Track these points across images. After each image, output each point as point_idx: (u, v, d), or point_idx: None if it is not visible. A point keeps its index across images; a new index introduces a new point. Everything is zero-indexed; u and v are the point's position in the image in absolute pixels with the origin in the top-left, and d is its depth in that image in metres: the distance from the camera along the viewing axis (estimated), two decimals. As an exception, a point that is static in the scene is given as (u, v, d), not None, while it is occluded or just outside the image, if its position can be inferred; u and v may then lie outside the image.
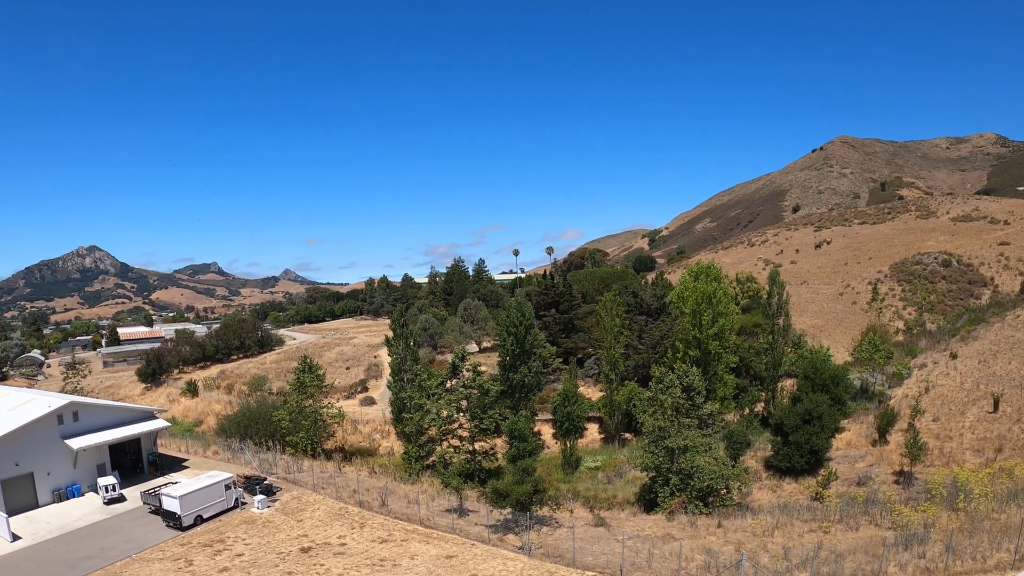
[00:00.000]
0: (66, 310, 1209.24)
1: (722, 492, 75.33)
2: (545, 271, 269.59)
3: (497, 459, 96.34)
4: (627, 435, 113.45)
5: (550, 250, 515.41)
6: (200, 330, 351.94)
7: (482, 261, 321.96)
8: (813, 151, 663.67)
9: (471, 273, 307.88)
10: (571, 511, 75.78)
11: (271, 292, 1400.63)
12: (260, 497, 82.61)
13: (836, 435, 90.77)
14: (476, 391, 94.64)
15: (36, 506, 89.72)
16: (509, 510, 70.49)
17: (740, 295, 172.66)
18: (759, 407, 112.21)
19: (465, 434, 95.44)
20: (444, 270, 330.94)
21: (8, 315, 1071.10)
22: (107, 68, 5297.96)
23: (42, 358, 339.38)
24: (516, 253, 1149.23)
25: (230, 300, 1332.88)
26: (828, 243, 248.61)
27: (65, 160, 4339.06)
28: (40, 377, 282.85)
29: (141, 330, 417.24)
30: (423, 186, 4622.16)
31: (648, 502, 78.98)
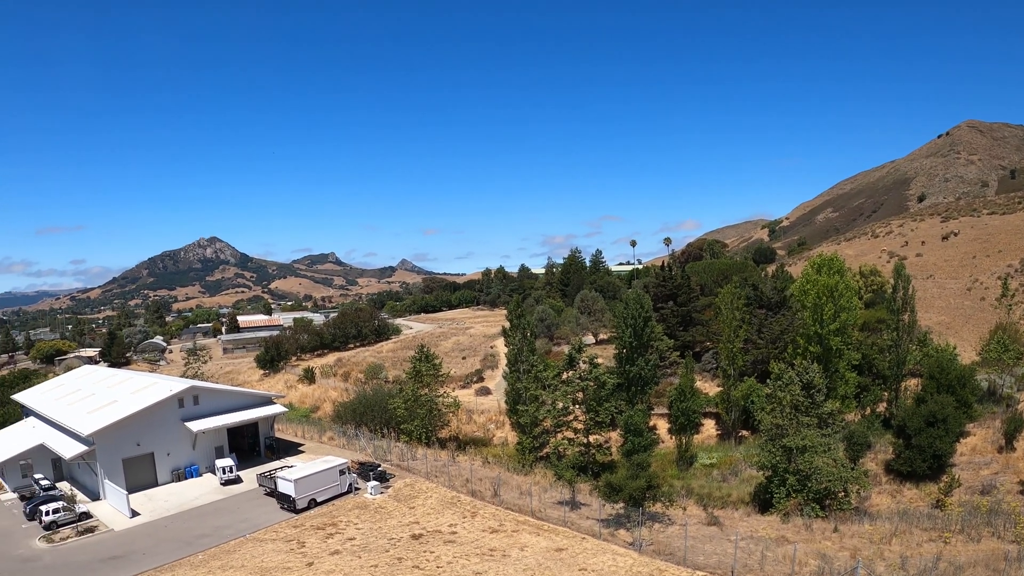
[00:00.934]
0: (187, 299, 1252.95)
1: (840, 495, 72.95)
2: (663, 262, 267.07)
3: (611, 453, 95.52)
4: (744, 432, 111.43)
5: (668, 241, 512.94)
6: (318, 319, 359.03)
7: (599, 252, 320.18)
8: (939, 137, 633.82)
9: (588, 264, 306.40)
10: (684, 508, 74.53)
11: (388, 282, 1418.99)
12: (373, 483, 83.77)
13: (960, 439, 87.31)
14: (592, 383, 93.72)
15: (155, 485, 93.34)
16: (621, 505, 69.82)
17: (863, 289, 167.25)
18: (881, 407, 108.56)
19: (580, 426, 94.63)
20: (561, 261, 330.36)
21: (132, 303, 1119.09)
22: (227, 69, 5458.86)
23: (164, 344, 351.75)
24: (633, 244, 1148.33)
25: (347, 289, 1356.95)
26: (955, 235, 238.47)
27: (188, 156, 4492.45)
28: (162, 362, 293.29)
29: (260, 318, 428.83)
30: (540, 176, 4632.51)
31: (763, 502, 77.12)
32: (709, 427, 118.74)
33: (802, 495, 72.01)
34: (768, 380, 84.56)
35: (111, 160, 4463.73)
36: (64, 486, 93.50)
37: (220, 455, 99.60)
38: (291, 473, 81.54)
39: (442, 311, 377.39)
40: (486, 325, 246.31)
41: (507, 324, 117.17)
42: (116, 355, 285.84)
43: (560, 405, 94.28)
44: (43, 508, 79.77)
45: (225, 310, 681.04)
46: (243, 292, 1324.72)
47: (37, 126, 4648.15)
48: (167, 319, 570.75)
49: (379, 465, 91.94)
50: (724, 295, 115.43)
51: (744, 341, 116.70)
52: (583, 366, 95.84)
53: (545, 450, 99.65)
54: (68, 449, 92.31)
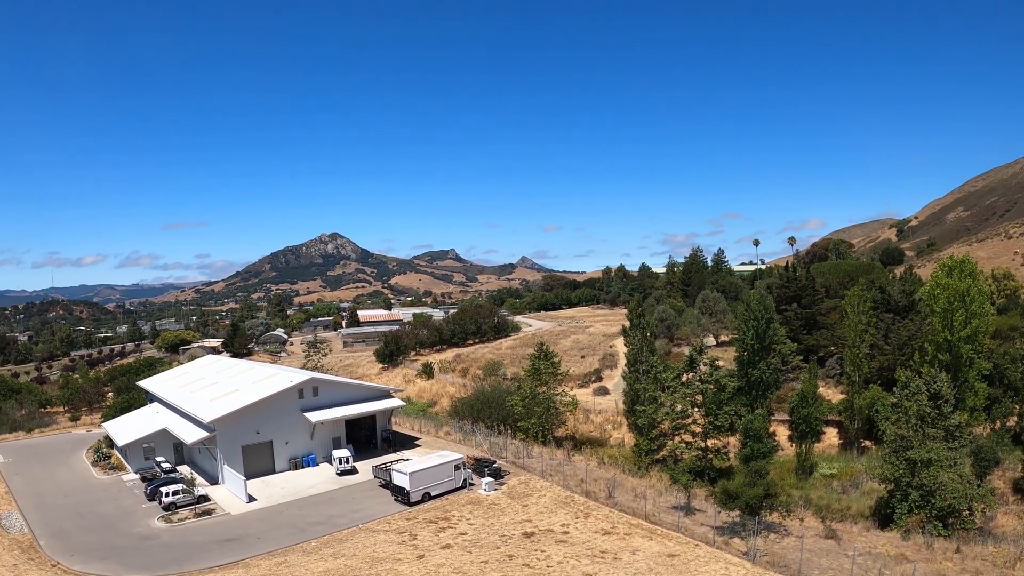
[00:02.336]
0: (308, 293, 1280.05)
1: (964, 513, 69.89)
2: (786, 263, 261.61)
3: (729, 458, 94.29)
4: (866, 443, 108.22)
5: (792, 240, 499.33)
6: (437, 314, 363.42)
7: (721, 251, 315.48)
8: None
9: (709, 263, 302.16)
10: (801, 519, 72.96)
11: (507, 279, 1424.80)
12: (488, 479, 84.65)
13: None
14: (712, 386, 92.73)
15: (272, 472, 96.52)
16: (737, 513, 69.04)
17: (996, 294, 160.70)
18: (1011, 421, 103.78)
19: (698, 430, 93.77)
20: (682, 260, 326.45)
21: (255, 296, 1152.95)
22: (355, 73, 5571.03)
23: (285, 336, 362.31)
24: (756, 243, 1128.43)
25: (467, 286, 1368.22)
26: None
27: (311, 153, 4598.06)
28: (283, 354, 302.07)
29: (380, 313, 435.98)
30: (662, 174, 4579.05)
31: (883, 517, 74.83)
32: (831, 435, 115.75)
33: (924, 511, 69.59)
34: (894, 388, 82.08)
35: (236, 158, 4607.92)
36: (184, 469, 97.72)
37: (337, 446, 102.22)
38: (406, 466, 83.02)
39: (561, 309, 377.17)
40: (606, 324, 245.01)
41: (627, 323, 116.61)
42: (238, 346, 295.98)
43: (679, 407, 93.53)
44: (163, 489, 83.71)
45: (345, 304, 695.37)
46: (363, 287, 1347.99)
47: (165, 127, 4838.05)
48: (288, 312, 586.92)
49: (494, 462, 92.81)
50: (850, 298, 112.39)
51: (870, 346, 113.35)
52: (704, 368, 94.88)
53: (662, 453, 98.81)
54: (189, 434, 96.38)
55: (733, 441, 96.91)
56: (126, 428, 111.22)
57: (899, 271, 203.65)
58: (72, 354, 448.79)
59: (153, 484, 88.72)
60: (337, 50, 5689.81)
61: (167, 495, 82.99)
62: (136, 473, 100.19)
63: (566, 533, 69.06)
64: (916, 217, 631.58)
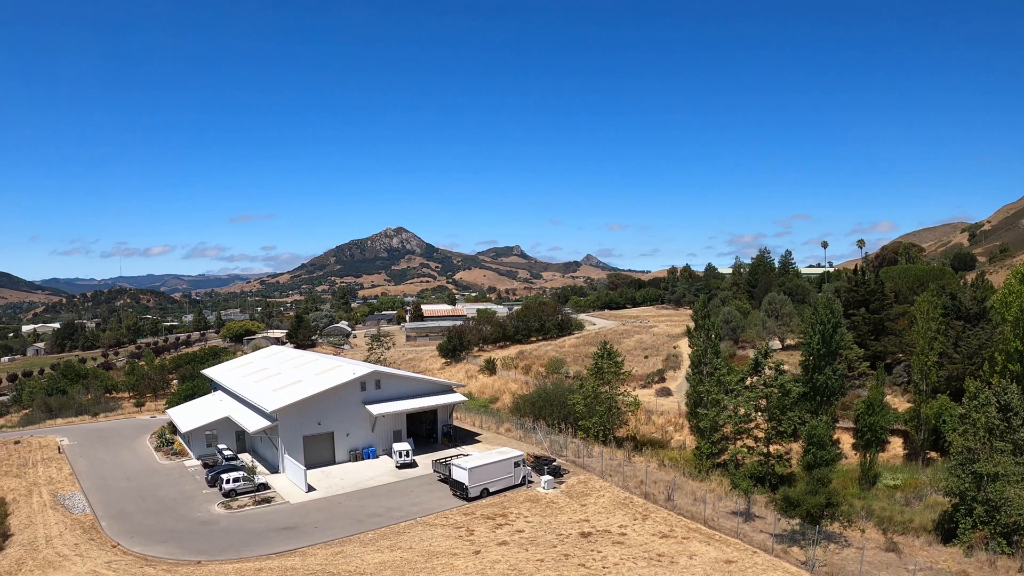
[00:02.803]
0: (372, 286, 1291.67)
1: (1029, 531, 68.71)
2: (855, 266, 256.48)
3: (791, 465, 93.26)
4: (932, 454, 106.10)
5: (861, 243, 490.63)
6: (501, 311, 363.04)
7: (788, 253, 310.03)
8: None
9: (776, 265, 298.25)
10: (862, 531, 72.11)
11: (572, 276, 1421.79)
12: (547, 478, 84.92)
13: None
14: (777, 390, 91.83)
15: (332, 463, 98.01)
16: (797, 521, 68.34)
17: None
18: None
19: (761, 435, 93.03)
20: (749, 261, 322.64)
21: (319, 289, 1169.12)
22: (423, 70, 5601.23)
23: (349, 329, 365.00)
24: (824, 245, 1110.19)
25: (531, 283, 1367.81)
26: None
27: (377, 149, 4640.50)
28: (346, 346, 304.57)
29: (444, 308, 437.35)
30: (729, 173, 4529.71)
31: (946, 532, 73.53)
32: (896, 445, 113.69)
33: (989, 528, 68.24)
34: (962, 399, 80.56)
35: (303, 153, 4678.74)
36: (245, 457, 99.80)
37: (398, 439, 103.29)
38: (466, 461, 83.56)
39: (626, 308, 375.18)
40: (670, 324, 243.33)
41: (691, 324, 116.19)
42: (302, 337, 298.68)
43: (742, 411, 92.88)
44: (224, 476, 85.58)
45: (410, 299, 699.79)
46: (427, 282, 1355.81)
47: (233, 121, 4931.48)
48: (352, 305, 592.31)
49: (554, 460, 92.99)
50: (920, 304, 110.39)
51: (938, 355, 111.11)
52: (768, 372, 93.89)
53: (723, 457, 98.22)
54: (252, 423, 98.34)
55: (796, 447, 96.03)
56: (189, 415, 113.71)
57: (970, 277, 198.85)
58: (138, 341, 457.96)
59: (214, 471, 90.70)
60: (404, 48, 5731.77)
61: (228, 482, 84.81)
62: (198, 459, 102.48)
63: (623, 535, 69.03)
64: (989, 221, 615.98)
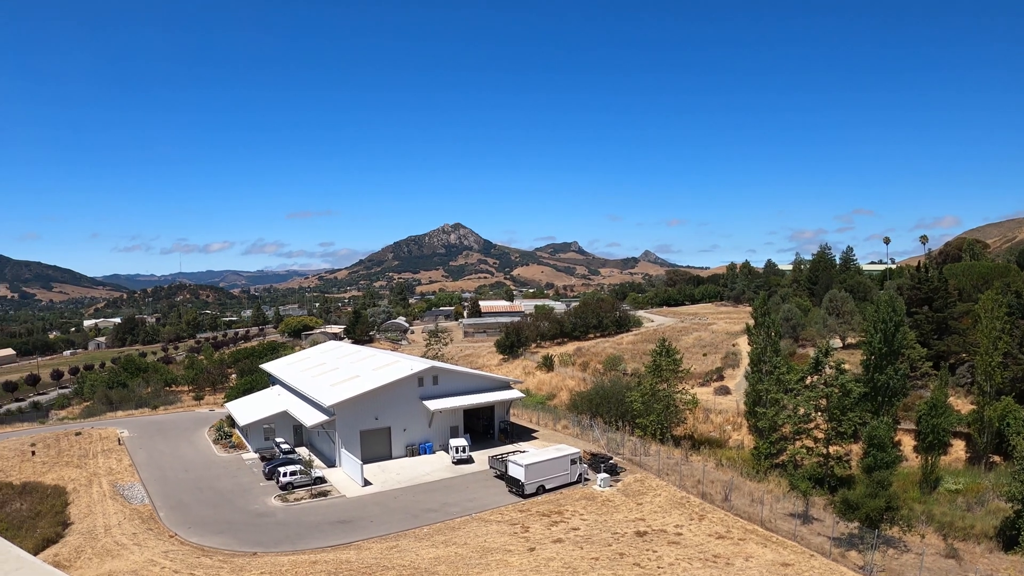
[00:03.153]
0: (430, 282, 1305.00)
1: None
2: (918, 263, 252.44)
3: (850, 467, 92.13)
4: (995, 458, 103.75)
5: (924, 239, 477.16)
6: (559, 307, 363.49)
7: (850, 249, 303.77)
8: None
9: (838, 261, 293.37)
10: (922, 536, 70.89)
11: (630, 273, 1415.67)
12: (603, 475, 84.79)
13: None
14: (837, 390, 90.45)
15: (389, 458, 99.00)
16: (856, 524, 67.55)
17: None
18: None
19: (820, 436, 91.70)
20: (809, 257, 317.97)
21: (377, 284, 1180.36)
22: (483, 70, 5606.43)
23: (406, 325, 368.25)
24: (887, 241, 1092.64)
25: (589, 279, 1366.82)
26: None
27: (434, 146, 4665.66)
28: (404, 342, 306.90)
29: (501, 304, 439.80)
30: (790, 168, 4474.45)
31: (1008, 539, 71.88)
32: (958, 448, 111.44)
33: (1053, 535, 66.77)
34: (1028, 401, 78.99)
35: (359, 150, 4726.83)
36: (302, 451, 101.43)
37: (454, 435, 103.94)
38: (522, 458, 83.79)
39: (684, 305, 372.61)
40: (729, 322, 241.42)
41: (751, 322, 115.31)
42: (360, 333, 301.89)
43: (802, 411, 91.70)
44: (281, 469, 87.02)
45: (467, 295, 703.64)
46: (485, 278, 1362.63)
47: (291, 120, 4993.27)
48: (410, 301, 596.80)
49: (611, 458, 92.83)
50: (984, 302, 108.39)
51: (1003, 355, 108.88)
52: (829, 371, 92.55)
53: (781, 457, 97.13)
54: (309, 417, 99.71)
55: (856, 449, 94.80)
56: (248, 409, 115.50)
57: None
58: (198, 336, 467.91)
59: (271, 464, 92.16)
60: (461, 46, 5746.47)
61: (284, 475, 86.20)
62: (255, 452, 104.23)
63: (679, 534, 68.72)
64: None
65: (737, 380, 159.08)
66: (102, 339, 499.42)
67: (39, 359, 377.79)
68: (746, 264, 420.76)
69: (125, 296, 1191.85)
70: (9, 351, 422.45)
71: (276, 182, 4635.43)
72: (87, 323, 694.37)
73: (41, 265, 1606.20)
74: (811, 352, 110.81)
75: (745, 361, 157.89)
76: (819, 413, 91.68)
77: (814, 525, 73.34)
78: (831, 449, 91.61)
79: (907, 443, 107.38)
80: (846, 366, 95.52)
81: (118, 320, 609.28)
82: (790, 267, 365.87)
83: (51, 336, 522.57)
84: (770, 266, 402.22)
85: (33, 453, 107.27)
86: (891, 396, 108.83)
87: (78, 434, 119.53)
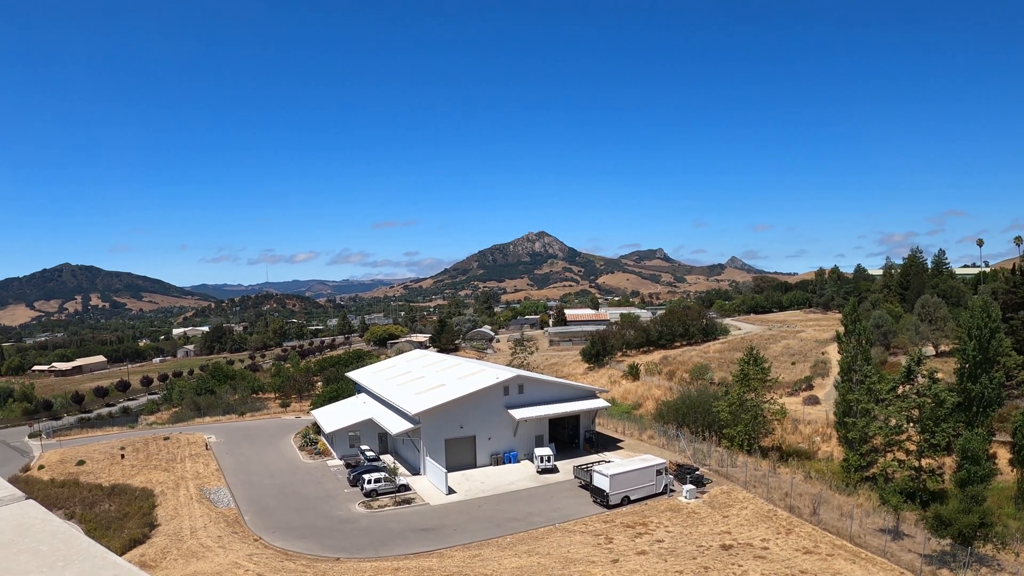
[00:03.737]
0: (515, 291, 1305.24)
1: None
2: (1013, 265, 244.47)
3: (943, 481, 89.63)
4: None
5: (1019, 240, 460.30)
6: (644, 315, 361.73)
7: (942, 252, 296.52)
8: None
9: (929, 265, 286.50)
10: (1017, 554, 68.43)
11: (716, 280, 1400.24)
12: (689, 487, 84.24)
13: None
14: (930, 400, 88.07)
15: (474, 466, 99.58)
16: (948, 541, 65.69)
17: None
18: None
19: (912, 448, 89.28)
20: (900, 261, 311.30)
21: (462, 293, 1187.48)
22: (558, 82, 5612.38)
23: (492, 333, 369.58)
24: (980, 243, 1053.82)
25: (675, 287, 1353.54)
26: None
27: (518, 153, 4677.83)
28: (489, 351, 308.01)
29: (587, 312, 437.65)
30: (878, 169, 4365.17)
31: (1109, 559, 69.35)
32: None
33: None
34: None
35: (445, 159, 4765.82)
36: (387, 459, 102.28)
37: (539, 444, 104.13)
38: (607, 468, 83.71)
39: (772, 312, 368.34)
40: (818, 329, 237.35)
41: (840, 329, 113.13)
42: (445, 341, 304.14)
43: (893, 422, 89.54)
44: (365, 476, 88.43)
45: (552, 303, 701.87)
46: (570, 286, 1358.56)
47: (376, 131, 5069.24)
48: (495, 310, 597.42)
49: (697, 469, 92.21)
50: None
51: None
52: (921, 380, 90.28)
53: (872, 470, 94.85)
54: (394, 425, 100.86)
55: (948, 462, 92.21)
56: (333, 416, 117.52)
57: None
58: (284, 344, 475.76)
59: (356, 471, 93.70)
60: (544, 61, 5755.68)
61: (369, 482, 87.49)
62: (340, 459, 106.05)
63: (766, 549, 67.85)
64: None
65: (827, 389, 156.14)
66: (190, 347, 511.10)
67: (129, 366, 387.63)
68: (835, 269, 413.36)
69: (213, 305, 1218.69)
70: (100, 358, 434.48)
71: (362, 193, 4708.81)
72: (176, 331, 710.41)
73: (131, 276, 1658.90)
74: (903, 360, 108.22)
75: (835, 370, 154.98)
76: (911, 424, 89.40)
77: (905, 541, 71.59)
78: (923, 462, 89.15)
79: (1002, 456, 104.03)
80: (939, 375, 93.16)
81: (206, 328, 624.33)
82: (880, 272, 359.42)
83: (141, 344, 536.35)
84: (860, 271, 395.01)
85: (123, 456, 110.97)
86: (986, 406, 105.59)
87: (166, 439, 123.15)
